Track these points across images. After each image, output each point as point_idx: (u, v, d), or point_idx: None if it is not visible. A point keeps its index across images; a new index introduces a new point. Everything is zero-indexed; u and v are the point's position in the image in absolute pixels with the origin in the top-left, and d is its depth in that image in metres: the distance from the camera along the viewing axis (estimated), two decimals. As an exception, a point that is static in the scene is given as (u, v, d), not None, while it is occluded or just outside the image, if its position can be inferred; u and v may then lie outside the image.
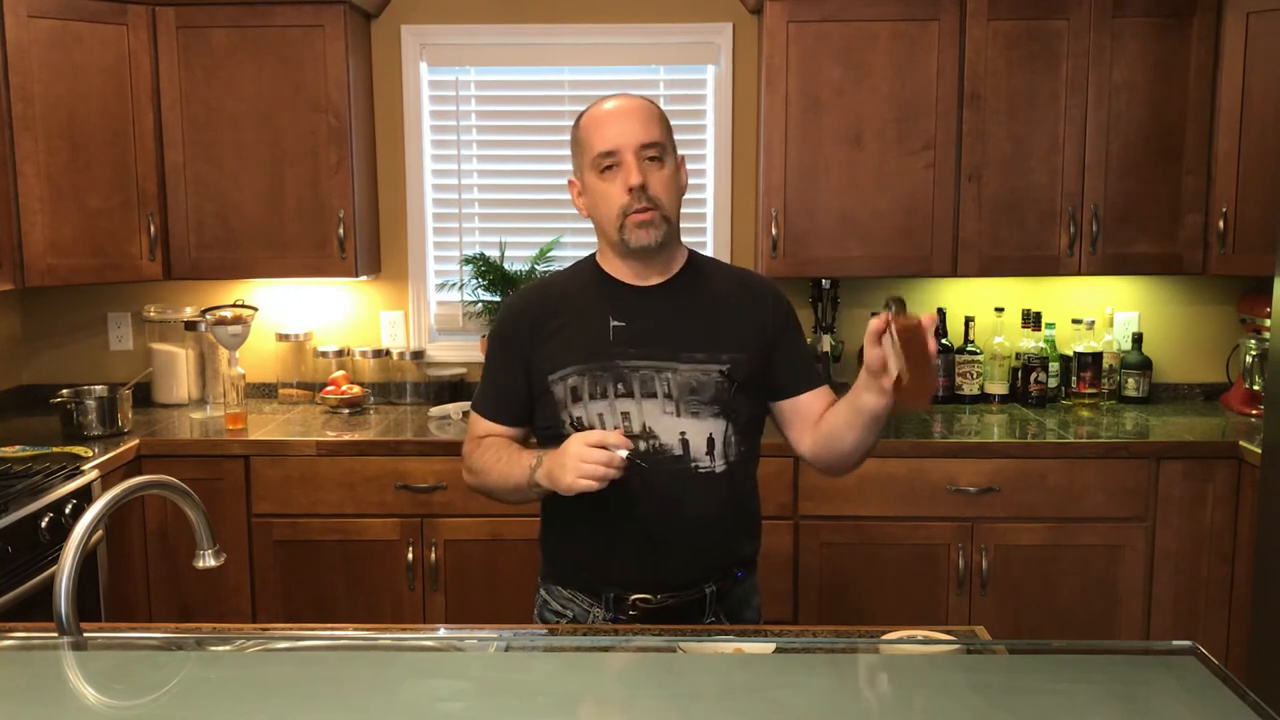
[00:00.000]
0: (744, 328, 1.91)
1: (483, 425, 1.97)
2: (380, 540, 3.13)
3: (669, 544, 1.86)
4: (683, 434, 1.84)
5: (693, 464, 1.85)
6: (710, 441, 1.85)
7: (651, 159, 1.83)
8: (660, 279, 1.91)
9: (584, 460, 1.68)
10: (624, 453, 1.69)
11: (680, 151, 1.92)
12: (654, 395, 1.84)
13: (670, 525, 1.85)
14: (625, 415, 1.84)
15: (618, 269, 1.91)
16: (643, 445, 1.83)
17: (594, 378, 1.85)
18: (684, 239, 1.97)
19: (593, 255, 1.98)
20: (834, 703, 1.31)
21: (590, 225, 3.89)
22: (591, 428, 1.84)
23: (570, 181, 1.94)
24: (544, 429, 1.92)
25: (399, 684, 1.36)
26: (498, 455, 1.89)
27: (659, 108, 1.90)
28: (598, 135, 1.84)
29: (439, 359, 3.76)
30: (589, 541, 1.90)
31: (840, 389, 3.73)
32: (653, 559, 1.86)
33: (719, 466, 1.86)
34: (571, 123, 3.96)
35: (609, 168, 1.83)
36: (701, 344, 1.87)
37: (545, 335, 1.90)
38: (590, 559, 1.91)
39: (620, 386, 1.84)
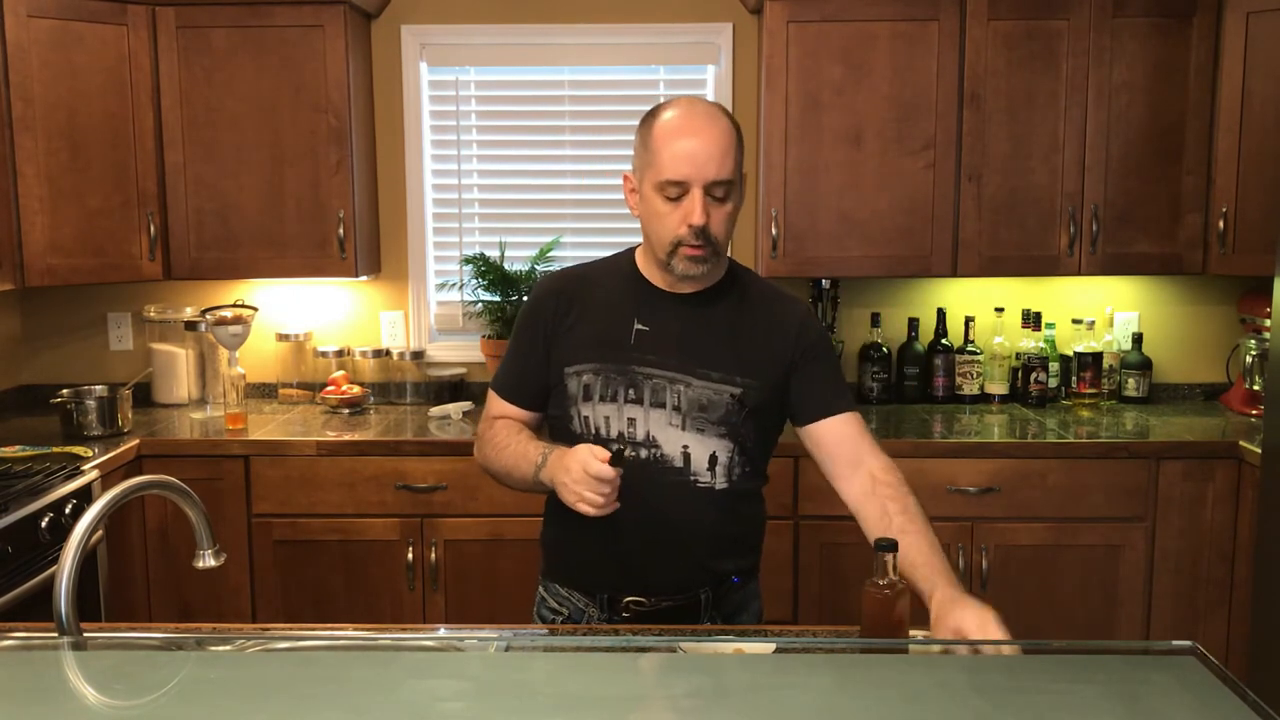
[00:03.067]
0: (765, 354, 1.87)
1: (499, 405, 1.97)
2: (380, 540, 3.13)
3: (661, 552, 1.85)
4: (685, 448, 1.83)
5: (692, 478, 1.84)
6: (713, 459, 1.84)
7: (718, 197, 1.76)
8: (693, 289, 1.87)
9: (585, 490, 1.67)
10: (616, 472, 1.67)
11: None
12: (662, 406, 1.83)
13: (663, 534, 1.85)
14: (631, 421, 1.83)
15: (654, 273, 1.88)
16: (644, 453, 1.83)
17: (607, 379, 1.84)
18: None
19: (633, 250, 1.95)
20: (834, 703, 1.31)
21: (594, 226, 3.90)
22: (597, 430, 1.84)
23: (625, 176, 1.88)
24: (555, 418, 1.92)
25: (399, 684, 1.35)
26: (505, 442, 1.88)
27: (737, 131, 1.80)
28: (669, 158, 1.74)
29: (439, 359, 3.76)
30: (585, 542, 1.90)
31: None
32: (644, 565, 1.86)
33: (719, 484, 1.85)
34: (572, 123, 3.97)
35: (674, 197, 1.76)
36: (719, 363, 1.84)
37: (569, 323, 1.89)
38: (585, 559, 1.91)
39: (631, 392, 1.83)
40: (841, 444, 1.85)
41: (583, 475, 1.66)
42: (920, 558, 1.66)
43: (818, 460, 1.89)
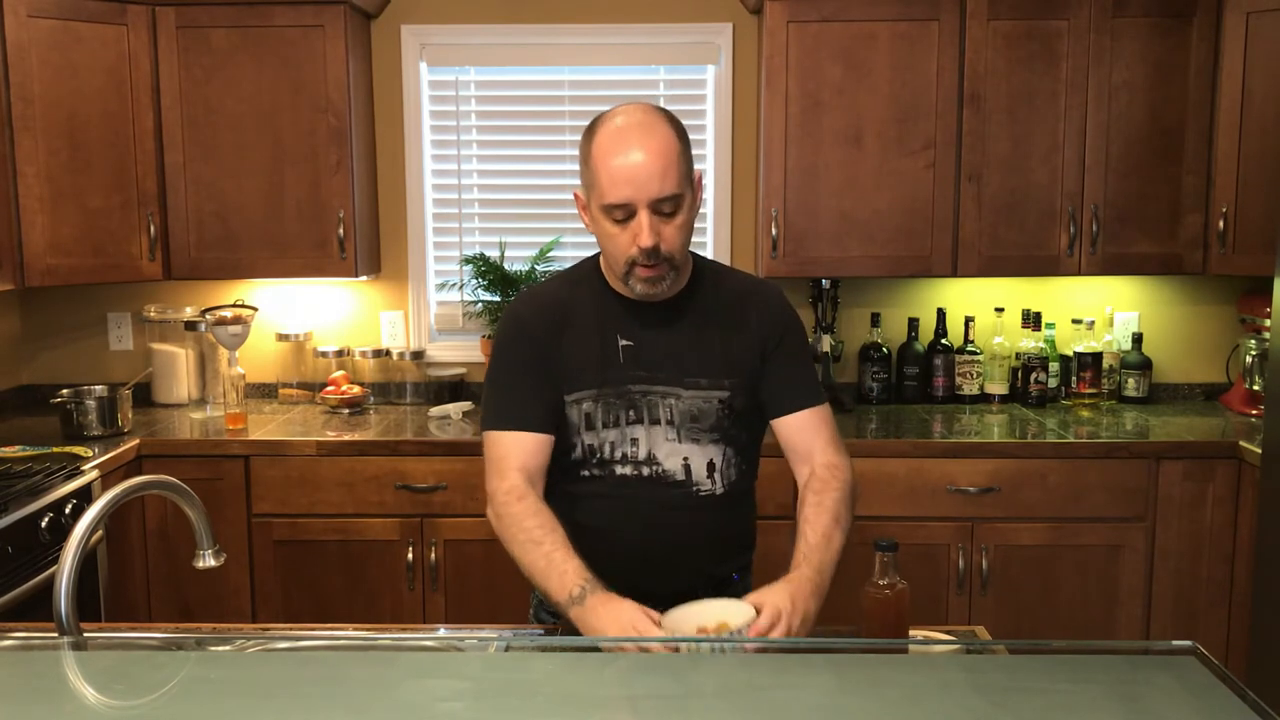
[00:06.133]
0: (743, 348, 1.85)
1: (514, 447, 1.79)
2: (380, 540, 3.13)
3: (666, 564, 1.84)
4: (685, 460, 1.82)
5: (694, 488, 1.83)
6: (711, 465, 1.83)
7: (665, 213, 1.69)
8: (665, 295, 1.82)
9: (629, 647, 1.53)
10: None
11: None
12: (659, 422, 1.81)
13: (667, 547, 1.83)
14: (635, 441, 1.81)
15: (622, 285, 1.82)
16: (646, 471, 1.82)
17: (607, 404, 1.81)
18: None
19: (595, 260, 1.89)
20: (834, 702, 1.31)
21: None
22: (601, 456, 1.82)
23: (576, 195, 1.83)
24: (555, 447, 1.84)
25: (399, 684, 1.36)
26: (536, 537, 1.71)
27: (677, 135, 1.72)
28: (609, 181, 1.68)
29: (439, 359, 3.76)
30: (583, 544, 1.88)
31: (840, 389, 3.73)
32: (647, 576, 1.84)
33: (719, 489, 1.85)
34: (572, 123, 3.98)
35: (620, 220, 1.71)
36: (705, 369, 1.82)
37: (558, 347, 1.83)
38: (584, 561, 1.90)
39: (632, 413, 1.81)
40: (798, 436, 1.86)
41: (627, 636, 1.53)
42: (803, 541, 1.73)
43: (781, 447, 1.91)
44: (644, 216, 1.68)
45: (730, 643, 1.49)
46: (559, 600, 1.65)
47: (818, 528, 1.74)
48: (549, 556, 1.69)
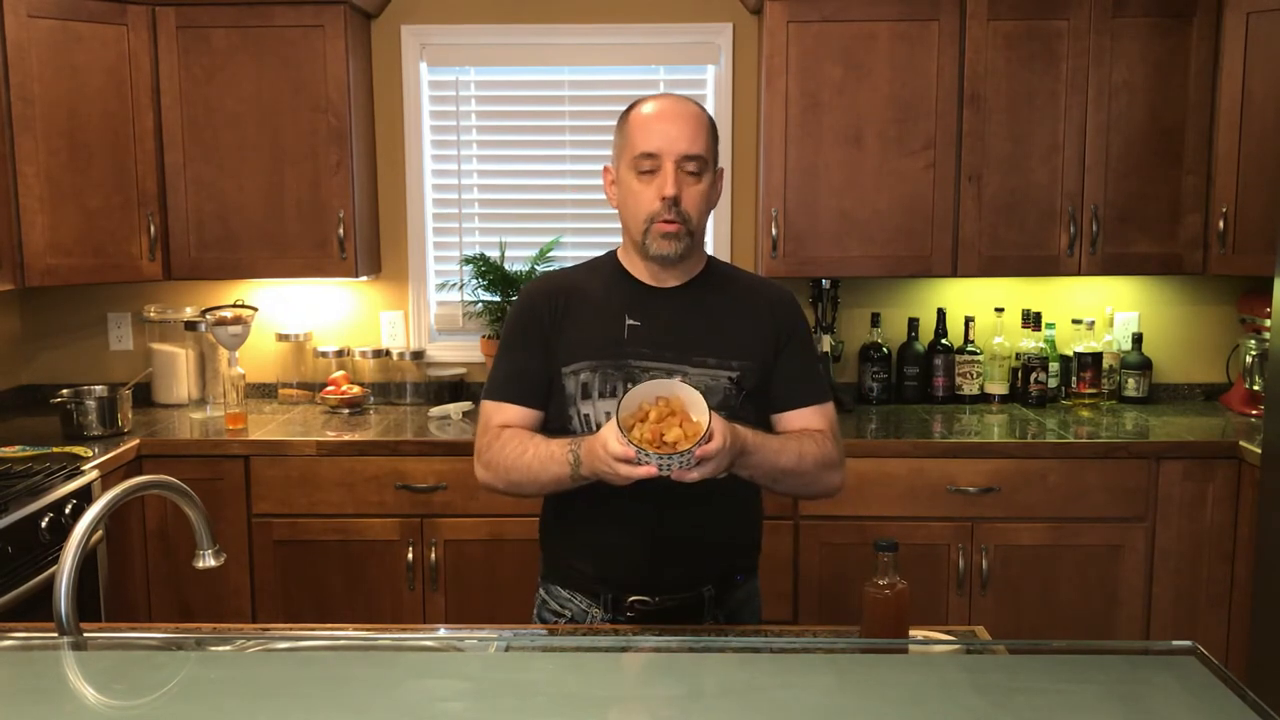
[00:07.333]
0: (755, 335, 1.90)
1: (502, 412, 1.89)
2: (380, 540, 3.13)
3: (669, 547, 1.85)
4: None
5: None
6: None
7: (690, 172, 1.81)
8: (678, 281, 1.91)
9: (623, 474, 1.62)
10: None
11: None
12: None
13: (671, 528, 1.85)
14: None
15: (638, 268, 1.91)
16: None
17: (605, 375, 1.85)
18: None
19: (614, 251, 1.98)
20: (834, 702, 1.31)
21: (594, 226, 3.91)
22: (598, 427, 1.83)
23: (605, 169, 1.94)
24: (554, 420, 1.89)
25: (399, 684, 1.36)
26: (523, 448, 1.80)
27: (709, 117, 1.87)
28: (642, 134, 1.82)
29: (439, 359, 3.76)
30: (588, 542, 1.90)
31: (840, 389, 3.73)
32: (652, 561, 1.86)
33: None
34: (572, 123, 3.98)
35: (647, 170, 1.82)
36: (713, 349, 1.86)
37: (563, 325, 1.89)
38: (589, 559, 1.91)
39: (629, 386, 1.83)
40: (798, 429, 1.90)
41: (615, 469, 1.62)
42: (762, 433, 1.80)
43: None
44: (669, 167, 1.80)
45: (678, 460, 1.58)
46: (568, 475, 1.74)
47: (781, 438, 1.83)
48: (535, 455, 1.78)
